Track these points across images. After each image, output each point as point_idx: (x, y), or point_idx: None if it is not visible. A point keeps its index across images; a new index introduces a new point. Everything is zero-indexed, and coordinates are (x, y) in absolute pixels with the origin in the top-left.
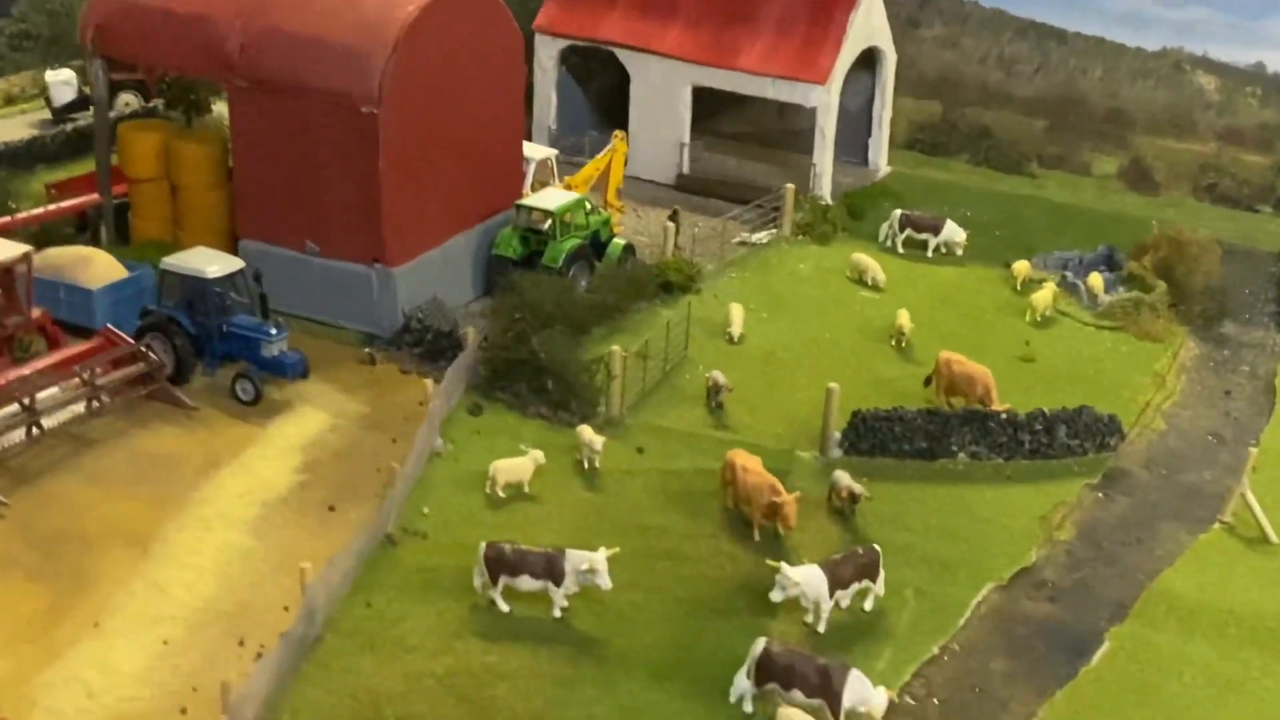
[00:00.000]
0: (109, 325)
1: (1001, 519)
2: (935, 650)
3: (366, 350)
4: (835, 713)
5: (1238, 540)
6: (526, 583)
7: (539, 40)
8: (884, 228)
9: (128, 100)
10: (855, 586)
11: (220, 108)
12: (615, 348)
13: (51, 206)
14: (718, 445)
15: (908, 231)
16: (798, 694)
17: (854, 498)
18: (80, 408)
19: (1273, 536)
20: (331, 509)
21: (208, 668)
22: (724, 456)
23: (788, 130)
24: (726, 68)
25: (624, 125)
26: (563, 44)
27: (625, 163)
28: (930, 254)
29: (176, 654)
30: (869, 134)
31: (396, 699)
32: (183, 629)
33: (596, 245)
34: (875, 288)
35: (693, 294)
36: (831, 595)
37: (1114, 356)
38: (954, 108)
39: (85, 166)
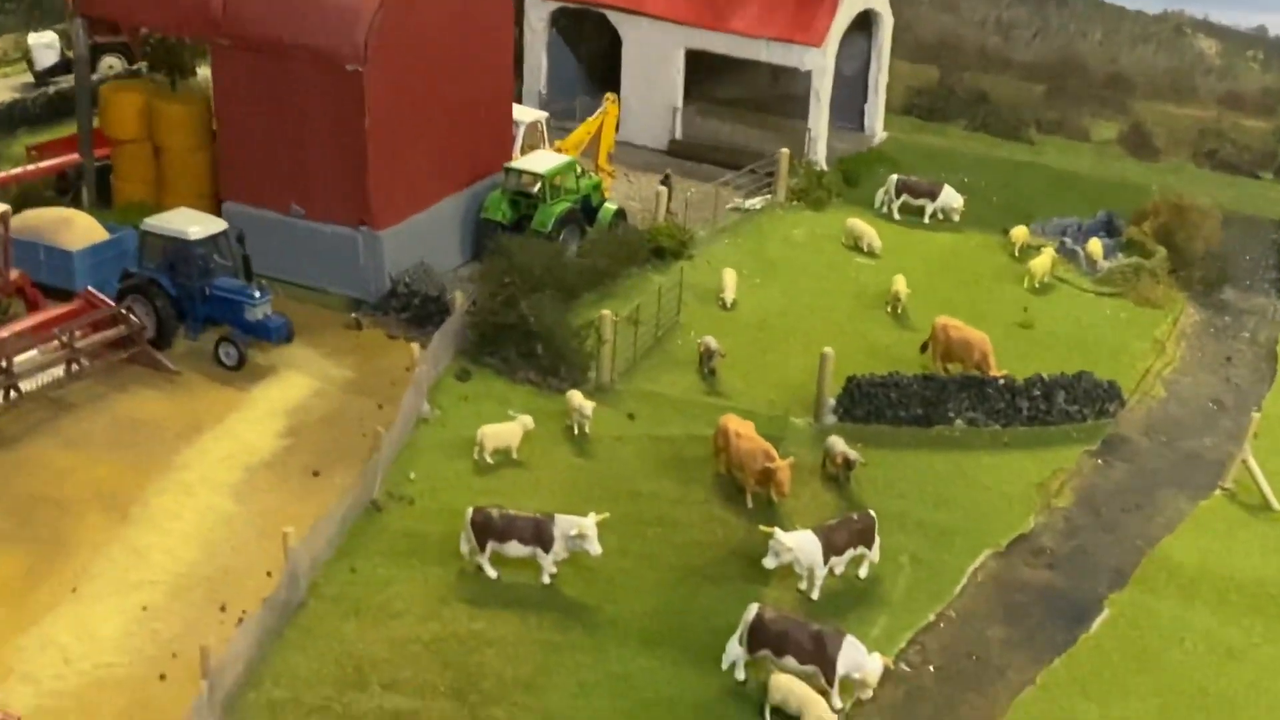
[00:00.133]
0: (89, 287)
1: (999, 485)
2: (931, 617)
3: (353, 315)
4: (829, 680)
5: (1239, 507)
6: (515, 548)
7: (529, 2)
8: (880, 193)
9: (111, 63)
10: (850, 553)
11: (205, 71)
12: (606, 312)
13: (30, 167)
14: (710, 411)
15: (904, 197)
16: (791, 660)
17: (849, 464)
18: (59, 371)
19: (1274, 503)
20: (316, 474)
21: (188, 633)
22: (716, 422)
23: (782, 95)
24: (720, 30)
25: (616, 90)
26: (553, 5)
27: (617, 127)
28: (927, 220)
29: (156, 619)
30: (865, 99)
31: (382, 665)
32: (162, 594)
33: (587, 210)
34: (871, 254)
35: (685, 260)
36: (826, 561)
37: (1113, 323)
38: (951, 72)
39: (67, 129)
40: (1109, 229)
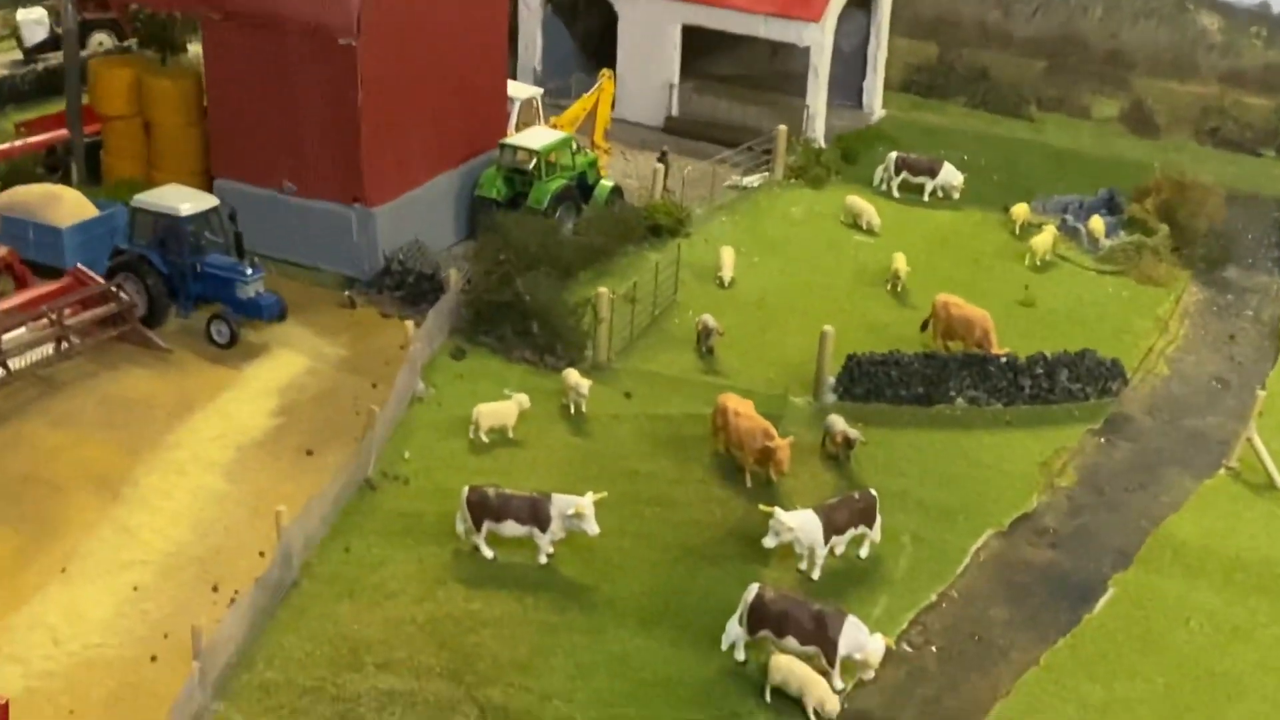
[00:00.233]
0: (79, 265)
1: (1001, 464)
2: (933, 597)
3: (346, 293)
4: (830, 660)
5: (1244, 486)
6: (511, 528)
7: None
8: (879, 171)
9: (101, 39)
10: (851, 532)
11: (196, 48)
12: (602, 290)
13: (19, 143)
14: (708, 390)
15: (903, 175)
16: (792, 641)
17: (849, 443)
18: (49, 349)
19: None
20: (309, 453)
21: (179, 614)
22: (715, 401)
23: (780, 72)
24: (717, 5)
25: (612, 66)
26: None
27: (613, 104)
28: (927, 198)
29: (147, 600)
30: (863, 76)
31: (376, 645)
32: (153, 574)
33: (583, 187)
34: (870, 232)
35: (682, 237)
36: (827, 541)
37: (1115, 301)
38: (951, 49)
39: (57, 106)
40: (1110, 206)
